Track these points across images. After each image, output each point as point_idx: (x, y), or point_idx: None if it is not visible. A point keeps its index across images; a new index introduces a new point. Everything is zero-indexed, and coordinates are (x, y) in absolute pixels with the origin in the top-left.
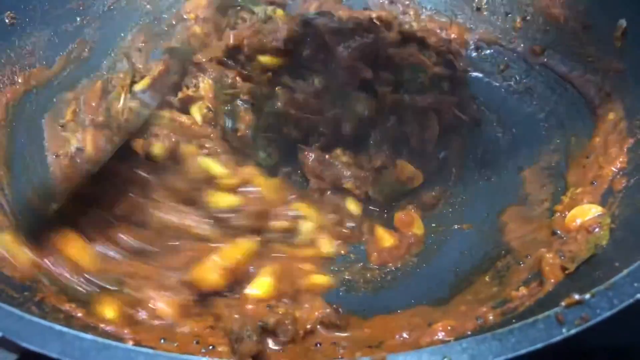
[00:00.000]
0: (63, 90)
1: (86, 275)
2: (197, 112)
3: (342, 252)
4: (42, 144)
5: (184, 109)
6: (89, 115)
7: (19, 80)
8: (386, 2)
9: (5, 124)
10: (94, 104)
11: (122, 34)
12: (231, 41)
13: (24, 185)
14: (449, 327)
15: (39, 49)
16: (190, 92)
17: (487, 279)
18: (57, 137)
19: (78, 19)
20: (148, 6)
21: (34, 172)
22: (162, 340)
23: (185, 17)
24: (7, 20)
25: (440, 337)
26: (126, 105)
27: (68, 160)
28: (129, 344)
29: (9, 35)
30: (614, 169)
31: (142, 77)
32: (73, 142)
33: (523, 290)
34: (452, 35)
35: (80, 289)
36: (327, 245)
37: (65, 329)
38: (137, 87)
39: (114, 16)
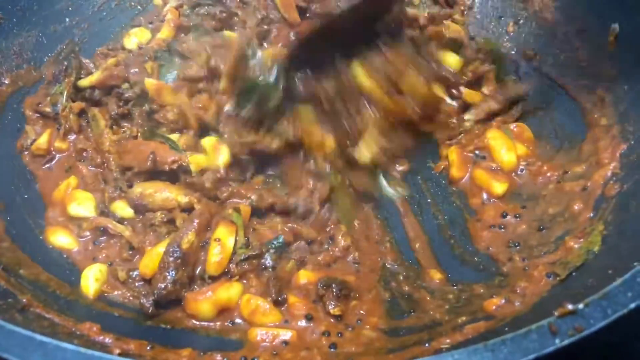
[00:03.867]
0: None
1: None
2: None
3: None
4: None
5: None
6: (37, 104)
7: (6, 82)
8: None
9: None
10: (43, 92)
11: (112, 35)
12: None
13: (11, 189)
14: None
15: (26, 50)
16: None
17: None
18: None
19: (67, 19)
20: (138, 7)
21: (21, 176)
22: (148, 348)
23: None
24: None
25: None
26: (68, 103)
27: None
28: (115, 354)
29: None
30: (607, 175)
31: (88, 74)
32: (31, 134)
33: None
34: None
35: None
36: None
37: (46, 339)
38: (82, 83)
39: (103, 17)
